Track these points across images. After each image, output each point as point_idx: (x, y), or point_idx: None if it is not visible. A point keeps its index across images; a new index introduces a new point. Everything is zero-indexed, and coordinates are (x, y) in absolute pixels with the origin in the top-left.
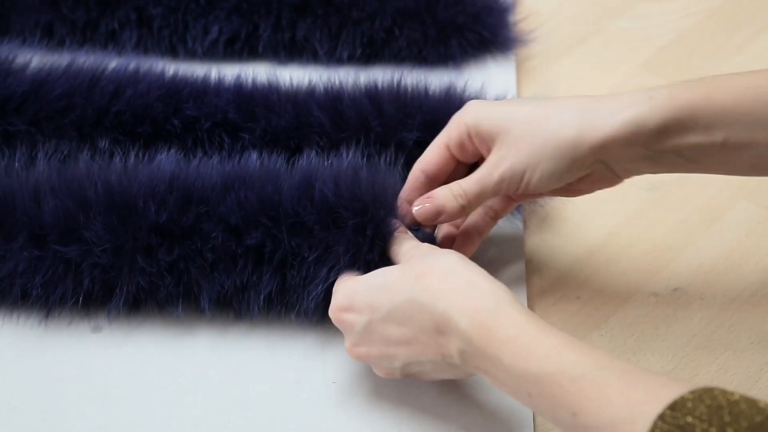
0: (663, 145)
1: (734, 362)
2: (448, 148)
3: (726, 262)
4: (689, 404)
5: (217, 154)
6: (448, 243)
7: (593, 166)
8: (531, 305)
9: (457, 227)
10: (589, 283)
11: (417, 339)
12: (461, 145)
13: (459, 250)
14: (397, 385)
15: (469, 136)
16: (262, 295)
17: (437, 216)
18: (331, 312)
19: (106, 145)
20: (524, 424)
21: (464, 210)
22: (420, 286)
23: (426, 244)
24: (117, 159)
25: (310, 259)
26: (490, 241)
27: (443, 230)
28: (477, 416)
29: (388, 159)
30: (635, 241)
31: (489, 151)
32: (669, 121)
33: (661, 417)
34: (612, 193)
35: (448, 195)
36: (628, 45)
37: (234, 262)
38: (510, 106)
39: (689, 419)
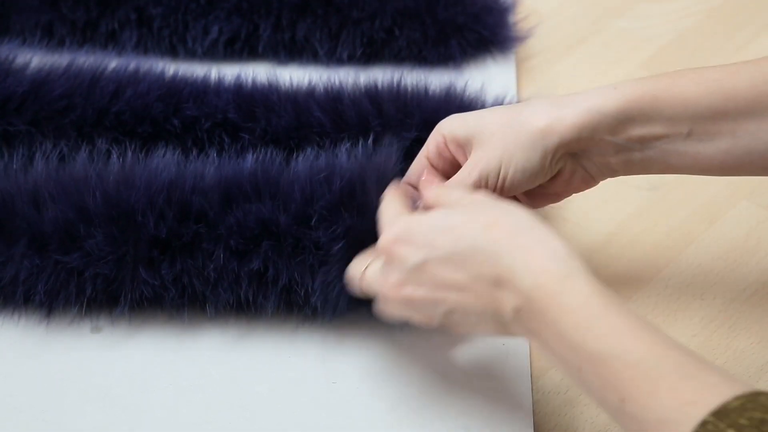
0: (628, 134)
1: (734, 362)
2: (428, 159)
3: (726, 262)
4: (733, 414)
5: (215, 153)
6: None
7: (565, 161)
8: None
9: None
10: None
11: (471, 287)
12: (440, 155)
13: None
14: (397, 385)
15: (446, 146)
16: (269, 311)
17: None
18: (384, 242)
19: (105, 144)
20: (524, 423)
21: None
22: (488, 236)
23: (481, 193)
24: (114, 158)
25: (310, 289)
26: None
27: None
28: (477, 416)
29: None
30: (635, 241)
31: (466, 158)
32: (632, 109)
33: (703, 424)
34: (612, 193)
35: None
36: (628, 45)
37: (237, 283)
38: (482, 112)
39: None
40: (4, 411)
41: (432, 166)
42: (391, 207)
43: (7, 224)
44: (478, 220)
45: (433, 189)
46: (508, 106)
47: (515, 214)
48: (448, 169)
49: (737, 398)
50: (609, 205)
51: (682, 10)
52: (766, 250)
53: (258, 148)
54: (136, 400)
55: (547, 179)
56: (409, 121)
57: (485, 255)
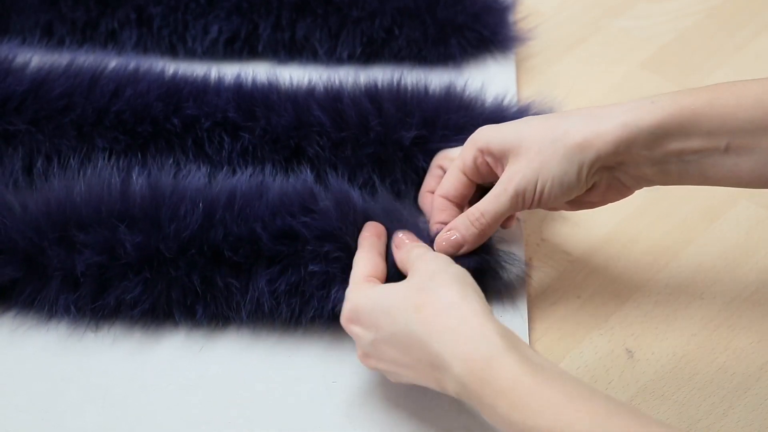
0: (665, 149)
1: (734, 362)
2: (464, 173)
3: (726, 262)
4: None
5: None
6: None
7: (600, 174)
8: (531, 305)
9: None
10: (589, 283)
11: (416, 367)
12: (476, 168)
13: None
14: (397, 385)
15: (483, 158)
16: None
17: (459, 248)
18: (342, 320)
19: (105, 144)
20: None
21: (484, 232)
22: (417, 318)
23: (433, 255)
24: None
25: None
26: (490, 240)
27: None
28: (477, 416)
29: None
30: (635, 241)
31: (503, 169)
32: (670, 124)
33: None
34: None
35: (465, 223)
36: (628, 45)
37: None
38: (518, 124)
39: None
40: (4, 411)
41: (468, 178)
42: (362, 258)
43: (39, 261)
44: (410, 299)
45: (401, 251)
46: (543, 118)
47: (445, 291)
48: (485, 180)
49: None
50: (609, 205)
51: (682, 9)
52: (766, 250)
53: (259, 150)
54: (135, 400)
55: (583, 191)
56: (409, 120)
57: (418, 340)
